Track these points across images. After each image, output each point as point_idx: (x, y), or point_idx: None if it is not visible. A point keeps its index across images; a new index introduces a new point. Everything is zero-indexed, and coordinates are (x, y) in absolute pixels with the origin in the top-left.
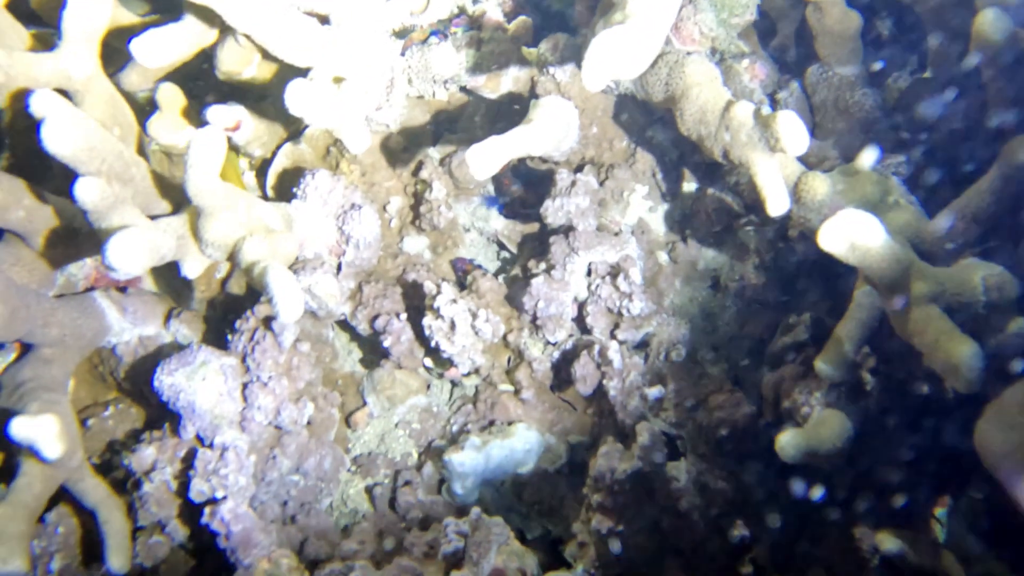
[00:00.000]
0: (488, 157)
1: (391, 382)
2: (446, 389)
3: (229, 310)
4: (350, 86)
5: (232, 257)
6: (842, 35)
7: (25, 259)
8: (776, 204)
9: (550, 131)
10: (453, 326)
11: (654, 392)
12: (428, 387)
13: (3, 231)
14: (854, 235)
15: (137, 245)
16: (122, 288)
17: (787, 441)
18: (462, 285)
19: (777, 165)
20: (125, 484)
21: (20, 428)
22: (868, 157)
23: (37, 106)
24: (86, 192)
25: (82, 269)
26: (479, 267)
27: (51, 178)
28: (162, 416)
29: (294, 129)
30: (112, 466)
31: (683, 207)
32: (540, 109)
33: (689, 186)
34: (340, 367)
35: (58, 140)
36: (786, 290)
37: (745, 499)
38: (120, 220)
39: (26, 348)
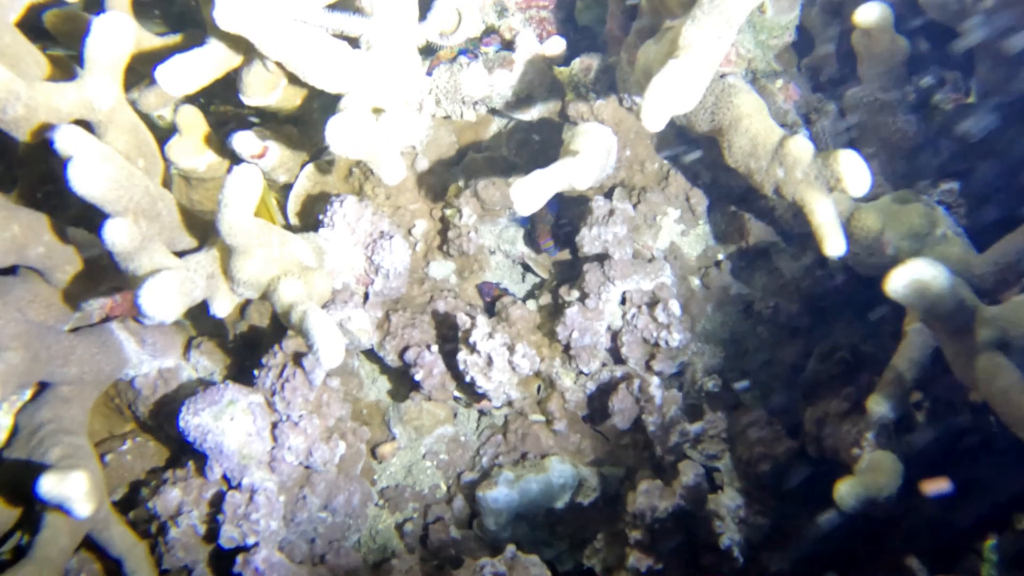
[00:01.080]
0: (533, 192)
1: (418, 412)
2: (473, 418)
3: (250, 340)
4: (389, 118)
5: (266, 296)
6: (888, 61)
7: (42, 295)
8: (834, 246)
9: (595, 163)
10: (490, 362)
11: (695, 428)
12: (455, 416)
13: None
14: (922, 284)
15: (171, 290)
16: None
17: (847, 492)
18: (489, 311)
19: (834, 205)
20: (148, 525)
21: (50, 487)
22: None
23: (64, 144)
24: (116, 235)
25: (97, 299)
26: (505, 291)
27: (67, 206)
28: (183, 452)
29: (315, 151)
30: (133, 504)
31: (716, 231)
32: (583, 139)
33: (722, 210)
34: (365, 396)
35: (86, 181)
36: (820, 318)
37: (784, 533)
38: (150, 261)
39: (42, 385)
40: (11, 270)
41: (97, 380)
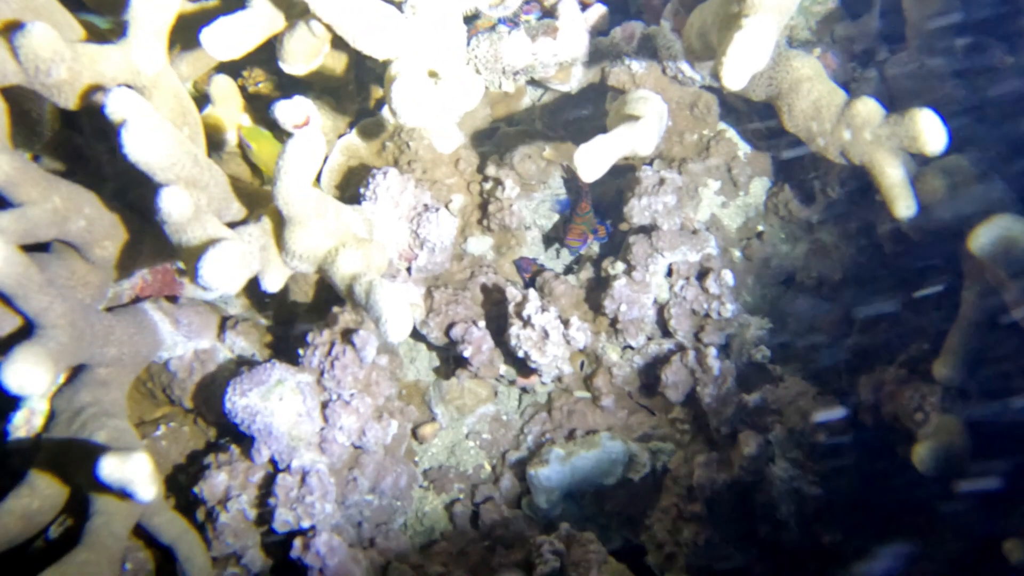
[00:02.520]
0: (598, 157)
1: (460, 391)
2: (514, 396)
3: (283, 318)
4: (448, 83)
5: (322, 269)
6: (937, 26)
7: (79, 273)
8: (906, 207)
9: (656, 128)
10: (545, 335)
11: (754, 399)
12: (496, 394)
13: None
14: (1009, 239)
15: (234, 261)
16: (172, 298)
17: (926, 454)
18: (527, 285)
19: (905, 167)
20: (193, 511)
21: (112, 470)
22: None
23: (116, 107)
24: (173, 204)
25: (130, 278)
26: (543, 267)
27: (101, 184)
28: (224, 435)
29: (349, 123)
30: (172, 490)
31: (756, 202)
32: (642, 104)
33: (763, 181)
34: (404, 376)
35: (142, 146)
36: (862, 288)
37: (837, 504)
38: (203, 232)
39: (75, 369)
40: (44, 247)
41: (134, 362)
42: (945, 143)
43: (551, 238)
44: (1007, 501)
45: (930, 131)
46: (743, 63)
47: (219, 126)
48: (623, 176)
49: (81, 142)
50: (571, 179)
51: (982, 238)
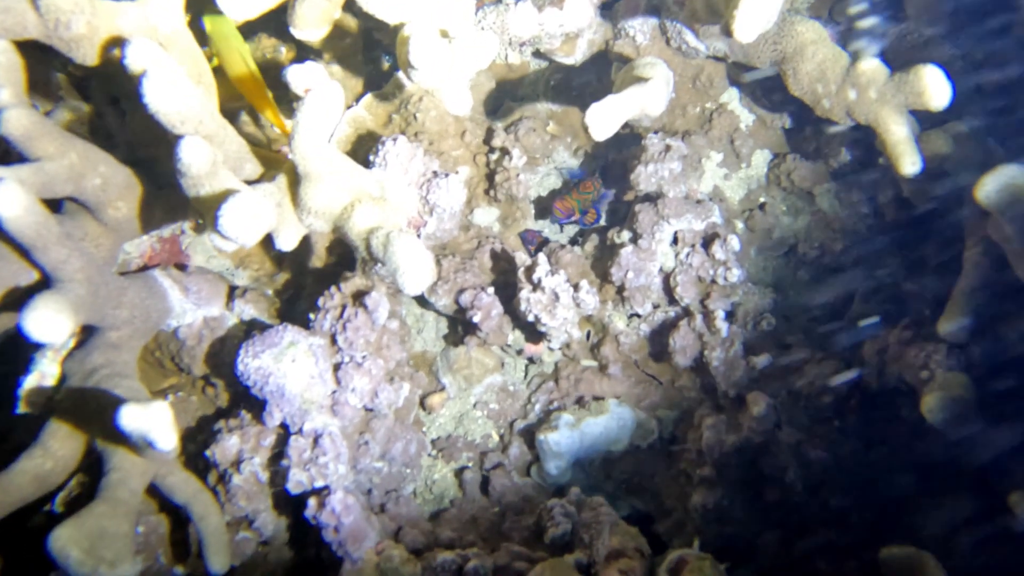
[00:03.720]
0: (608, 115)
1: (467, 361)
2: (520, 367)
3: (291, 289)
4: (462, 43)
5: (339, 227)
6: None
7: (92, 233)
8: (911, 163)
9: (665, 90)
10: (556, 298)
11: (763, 360)
12: (503, 365)
13: (62, 202)
14: (1016, 188)
15: (253, 212)
16: (181, 266)
17: (935, 403)
18: (532, 256)
19: (909, 125)
20: (204, 476)
21: (132, 418)
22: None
23: (137, 57)
24: (194, 154)
25: (138, 247)
26: (548, 240)
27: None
28: (236, 403)
29: (355, 96)
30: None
31: (758, 174)
32: (650, 68)
33: (764, 153)
34: (411, 346)
35: (163, 96)
36: (862, 257)
37: (842, 467)
38: (220, 186)
39: (85, 332)
40: (56, 208)
41: (145, 327)
42: (950, 97)
43: (543, 203)
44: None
45: (935, 86)
46: (754, 13)
47: None
48: (624, 149)
49: (92, 111)
50: (589, 159)
51: (988, 186)
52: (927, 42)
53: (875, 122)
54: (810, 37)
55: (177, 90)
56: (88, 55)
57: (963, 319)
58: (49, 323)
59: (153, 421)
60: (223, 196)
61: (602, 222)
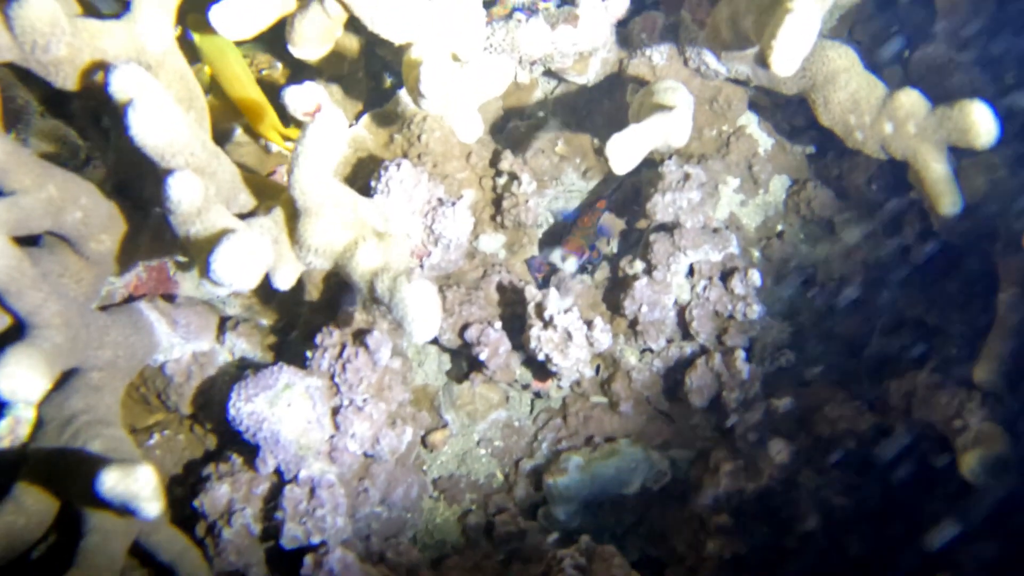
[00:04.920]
0: (631, 148)
1: (471, 396)
2: (526, 402)
3: (286, 319)
4: (475, 69)
5: (340, 265)
6: (968, 19)
7: (72, 268)
8: (951, 203)
9: (688, 120)
10: (569, 337)
11: (784, 404)
12: (507, 399)
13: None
14: None
15: (250, 255)
16: (169, 296)
17: (976, 463)
18: (540, 286)
19: (949, 162)
20: (192, 525)
21: (114, 484)
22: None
23: (122, 85)
24: (184, 191)
25: (123, 275)
26: (555, 267)
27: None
28: (225, 444)
29: (356, 114)
30: (168, 501)
31: (776, 201)
32: (673, 94)
33: (783, 179)
34: (412, 380)
35: (150, 128)
36: (882, 290)
37: (864, 512)
38: (212, 223)
39: (66, 372)
40: (34, 240)
41: (129, 366)
42: (997, 136)
43: (545, 242)
44: None
45: (983, 123)
46: (796, 46)
47: None
48: (637, 173)
49: (71, 131)
50: (602, 182)
51: None
52: (956, 66)
53: (913, 158)
54: (842, 64)
55: (165, 121)
56: (69, 79)
57: (999, 366)
58: (20, 381)
59: (136, 487)
60: (216, 237)
61: (613, 249)
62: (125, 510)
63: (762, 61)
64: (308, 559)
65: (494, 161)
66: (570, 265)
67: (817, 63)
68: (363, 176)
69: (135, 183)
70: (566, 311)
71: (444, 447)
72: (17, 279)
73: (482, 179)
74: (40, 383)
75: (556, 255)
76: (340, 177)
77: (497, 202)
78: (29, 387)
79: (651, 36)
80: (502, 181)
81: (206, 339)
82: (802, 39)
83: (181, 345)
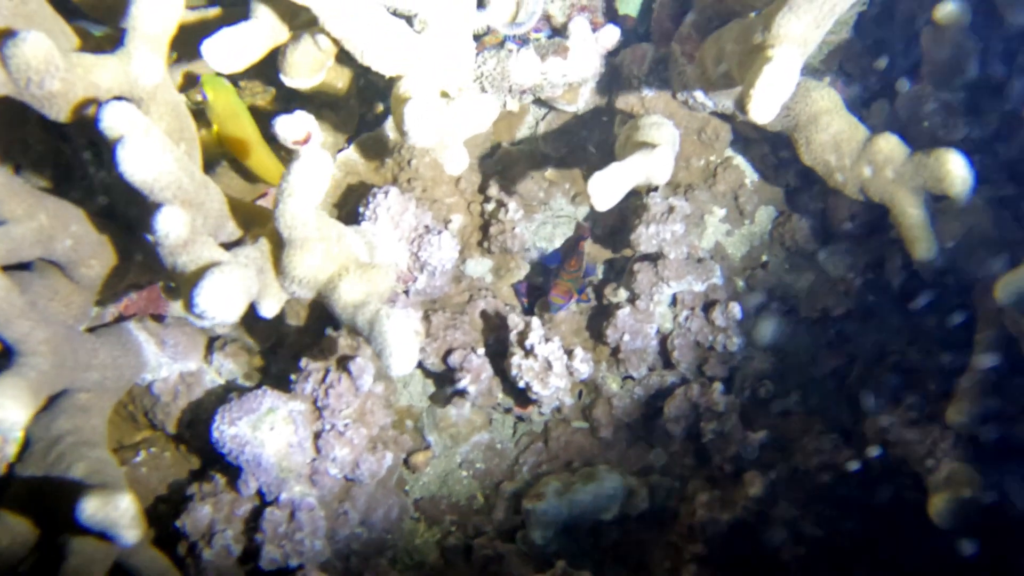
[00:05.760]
0: (612, 186)
1: (455, 418)
2: (509, 424)
3: (274, 340)
4: (461, 104)
5: (324, 296)
6: (953, 61)
7: (62, 292)
8: (926, 250)
9: (672, 157)
10: (549, 366)
11: (760, 437)
12: (490, 422)
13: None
14: None
15: (233, 288)
16: (158, 317)
17: (944, 508)
18: (526, 312)
19: (926, 208)
20: (172, 544)
21: (94, 511)
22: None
23: (112, 122)
24: (171, 226)
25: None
26: (541, 291)
27: (90, 199)
28: (210, 464)
29: (347, 138)
30: (151, 519)
31: (762, 231)
32: (657, 131)
33: (769, 210)
34: (396, 401)
35: (139, 164)
36: (865, 322)
37: (839, 546)
38: (199, 255)
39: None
40: (25, 263)
41: (117, 386)
42: (971, 187)
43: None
44: None
45: (957, 173)
46: (772, 96)
47: None
48: (625, 199)
49: (69, 153)
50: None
51: (1011, 287)
52: (943, 107)
53: (890, 203)
54: (824, 106)
55: (154, 157)
56: (63, 113)
57: (973, 408)
58: (5, 411)
59: (117, 515)
60: (201, 271)
61: (598, 276)
62: (104, 536)
63: (741, 107)
64: None
65: (483, 186)
66: (559, 311)
67: (801, 103)
68: (353, 200)
69: (128, 207)
70: (547, 340)
71: (426, 468)
72: (5, 309)
73: (471, 204)
74: (23, 413)
75: (546, 303)
76: (330, 200)
77: (485, 228)
78: (13, 416)
79: (640, 68)
80: (490, 207)
81: (194, 359)
82: (779, 88)
83: (169, 365)
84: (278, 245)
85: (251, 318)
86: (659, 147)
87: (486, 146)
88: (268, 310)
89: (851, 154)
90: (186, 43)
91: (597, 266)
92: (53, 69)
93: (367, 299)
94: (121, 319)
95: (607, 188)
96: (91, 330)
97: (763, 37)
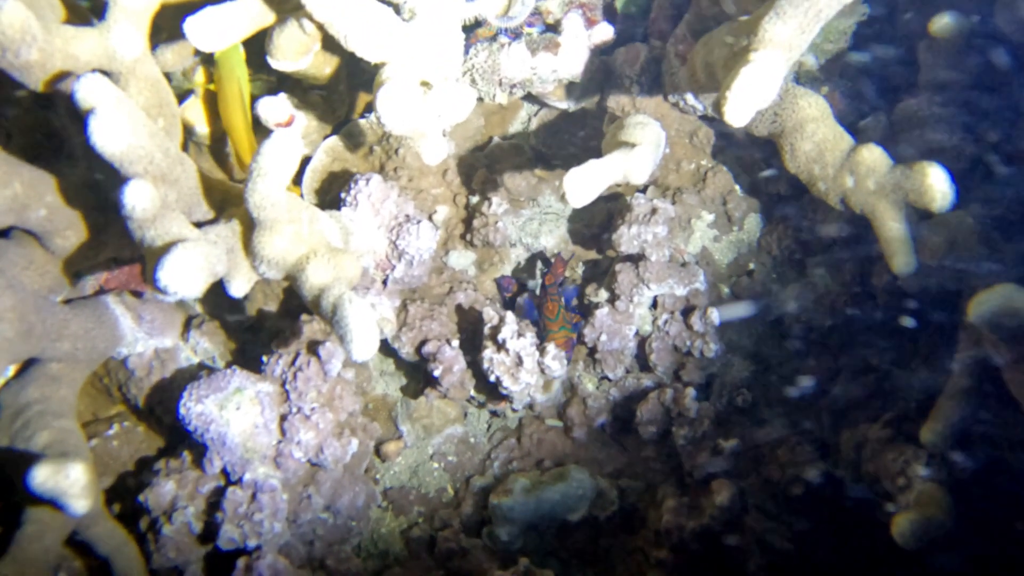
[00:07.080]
0: (587, 183)
1: (428, 410)
2: (484, 419)
3: (251, 320)
4: (441, 93)
5: (291, 277)
6: (952, 75)
7: (37, 261)
8: (904, 264)
9: (651, 157)
10: (519, 362)
11: (731, 445)
12: (465, 415)
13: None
14: (1012, 309)
15: (195, 264)
16: (138, 292)
17: (908, 529)
18: (508, 306)
19: (907, 221)
20: (136, 519)
21: (44, 480)
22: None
23: (86, 94)
24: (138, 199)
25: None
26: (525, 287)
27: (71, 171)
28: (179, 441)
29: (337, 123)
30: (119, 494)
31: (750, 239)
32: (640, 131)
33: (757, 217)
34: (372, 389)
35: (109, 136)
36: (850, 335)
37: (809, 559)
38: (167, 230)
39: (28, 361)
40: (3, 232)
41: (90, 358)
42: (952, 201)
43: (544, 259)
44: None
45: (938, 187)
46: (747, 100)
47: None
48: (614, 199)
49: (55, 120)
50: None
51: (984, 307)
52: (935, 119)
53: (871, 214)
54: (811, 114)
55: (125, 130)
56: (39, 83)
57: (946, 429)
58: None
59: (66, 484)
60: (168, 245)
61: (579, 276)
62: (55, 504)
63: (717, 109)
64: (240, 562)
65: (470, 179)
66: (561, 365)
67: (788, 110)
68: (338, 186)
69: (110, 178)
70: (520, 335)
71: (397, 458)
72: None
73: (456, 196)
74: None
75: (547, 358)
76: (316, 185)
77: (469, 220)
78: None
79: (633, 68)
80: (475, 200)
81: (170, 336)
82: (756, 92)
83: (145, 340)
84: (249, 225)
85: (230, 299)
86: (638, 146)
87: (478, 139)
88: (237, 289)
89: (834, 163)
90: (175, 20)
91: (576, 282)
92: (30, 39)
93: (333, 283)
94: (101, 292)
95: (582, 184)
96: (68, 302)
97: (749, 41)
